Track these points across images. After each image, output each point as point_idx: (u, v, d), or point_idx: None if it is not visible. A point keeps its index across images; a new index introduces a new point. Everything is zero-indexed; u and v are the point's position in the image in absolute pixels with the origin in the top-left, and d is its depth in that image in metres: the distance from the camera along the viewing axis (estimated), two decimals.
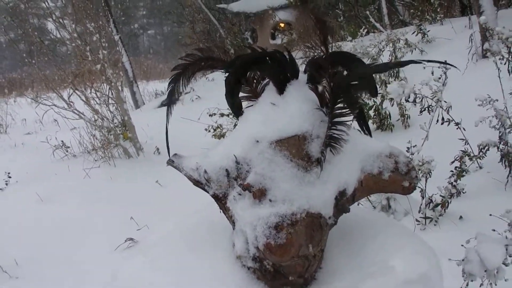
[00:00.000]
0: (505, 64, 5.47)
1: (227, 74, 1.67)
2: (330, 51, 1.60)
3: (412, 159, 1.93)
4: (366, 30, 8.91)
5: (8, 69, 30.07)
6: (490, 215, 3.03)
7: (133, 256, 2.16)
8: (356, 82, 1.59)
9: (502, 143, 4.34)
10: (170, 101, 1.83)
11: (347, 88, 1.58)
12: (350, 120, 1.62)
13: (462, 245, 2.41)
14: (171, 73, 1.83)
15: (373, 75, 1.73)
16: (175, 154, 1.82)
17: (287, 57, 1.64)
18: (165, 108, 1.87)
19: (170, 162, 1.81)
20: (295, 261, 1.55)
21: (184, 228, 2.01)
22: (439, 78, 4.39)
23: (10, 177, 6.10)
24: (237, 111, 1.76)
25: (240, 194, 1.59)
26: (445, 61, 1.78)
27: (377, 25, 10.40)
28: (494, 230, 2.70)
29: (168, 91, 1.83)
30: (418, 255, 1.68)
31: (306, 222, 1.51)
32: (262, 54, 1.62)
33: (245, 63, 1.63)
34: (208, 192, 1.72)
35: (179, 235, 1.96)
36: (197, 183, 1.74)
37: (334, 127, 1.56)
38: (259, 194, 1.53)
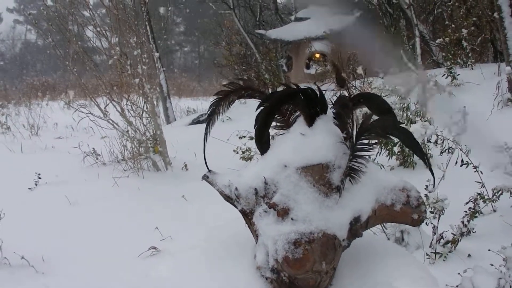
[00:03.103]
0: None
1: (262, 107, 1.87)
2: (359, 90, 1.80)
3: (421, 195, 2.07)
4: (398, 69, 8.96)
5: (42, 72, 30.42)
6: (489, 250, 3.17)
7: (160, 261, 2.34)
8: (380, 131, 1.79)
9: None
10: (210, 121, 2.05)
11: (371, 131, 1.78)
12: (369, 155, 1.81)
13: (458, 273, 2.57)
14: (213, 97, 2.05)
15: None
16: (210, 171, 2.02)
17: (318, 94, 1.84)
18: (196, 126, 2.10)
19: (205, 178, 2.02)
20: (309, 275, 1.74)
21: (210, 239, 2.21)
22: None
23: (40, 178, 6.17)
24: (264, 145, 1.97)
25: (265, 211, 1.80)
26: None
27: (410, 64, 10.45)
28: (492, 265, 2.86)
29: (209, 112, 2.06)
30: (421, 281, 1.85)
31: (322, 241, 1.70)
32: (296, 90, 1.82)
33: (281, 97, 1.83)
34: (236, 207, 1.92)
35: (206, 245, 2.16)
36: (227, 198, 1.94)
37: (355, 160, 1.76)
38: (283, 213, 1.73)
